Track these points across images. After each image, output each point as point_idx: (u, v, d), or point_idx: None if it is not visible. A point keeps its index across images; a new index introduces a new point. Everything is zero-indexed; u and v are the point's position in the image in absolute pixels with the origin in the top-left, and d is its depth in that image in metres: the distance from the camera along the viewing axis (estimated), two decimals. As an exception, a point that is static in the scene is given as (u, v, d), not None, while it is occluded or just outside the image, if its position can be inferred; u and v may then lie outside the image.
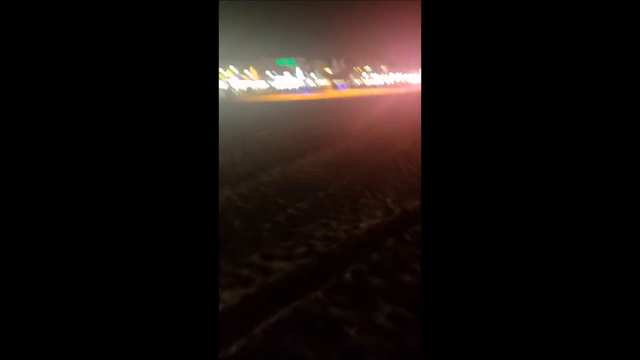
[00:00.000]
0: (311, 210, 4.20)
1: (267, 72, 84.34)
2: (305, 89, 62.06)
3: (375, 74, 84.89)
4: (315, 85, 77.51)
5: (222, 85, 71.09)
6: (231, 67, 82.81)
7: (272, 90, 64.76)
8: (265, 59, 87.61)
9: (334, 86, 70.06)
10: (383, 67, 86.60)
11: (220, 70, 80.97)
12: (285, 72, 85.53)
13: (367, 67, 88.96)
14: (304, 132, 11.28)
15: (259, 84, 78.22)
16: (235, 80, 78.53)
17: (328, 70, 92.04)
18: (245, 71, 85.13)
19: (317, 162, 6.81)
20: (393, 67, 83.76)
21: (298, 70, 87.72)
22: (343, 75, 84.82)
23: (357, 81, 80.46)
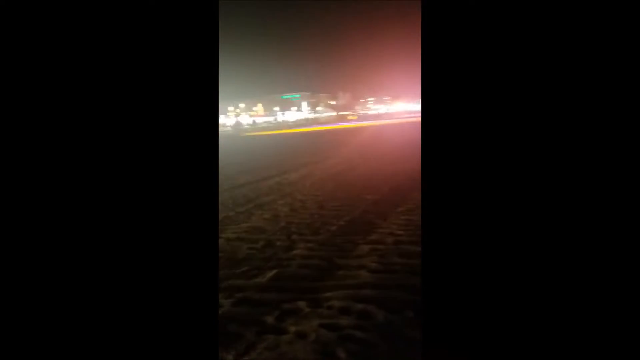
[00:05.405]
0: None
1: (275, 108, 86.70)
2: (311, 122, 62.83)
3: (381, 105, 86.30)
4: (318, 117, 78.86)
5: (231, 120, 73.76)
6: (241, 105, 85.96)
7: (278, 124, 66.22)
8: (272, 96, 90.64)
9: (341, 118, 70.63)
10: (387, 98, 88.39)
11: (231, 107, 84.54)
12: (292, 108, 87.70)
13: (370, 99, 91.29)
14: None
15: (267, 119, 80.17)
16: (245, 117, 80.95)
17: (333, 102, 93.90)
18: (254, 107, 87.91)
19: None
20: (397, 98, 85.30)
21: (304, 104, 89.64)
22: (348, 107, 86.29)
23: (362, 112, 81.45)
